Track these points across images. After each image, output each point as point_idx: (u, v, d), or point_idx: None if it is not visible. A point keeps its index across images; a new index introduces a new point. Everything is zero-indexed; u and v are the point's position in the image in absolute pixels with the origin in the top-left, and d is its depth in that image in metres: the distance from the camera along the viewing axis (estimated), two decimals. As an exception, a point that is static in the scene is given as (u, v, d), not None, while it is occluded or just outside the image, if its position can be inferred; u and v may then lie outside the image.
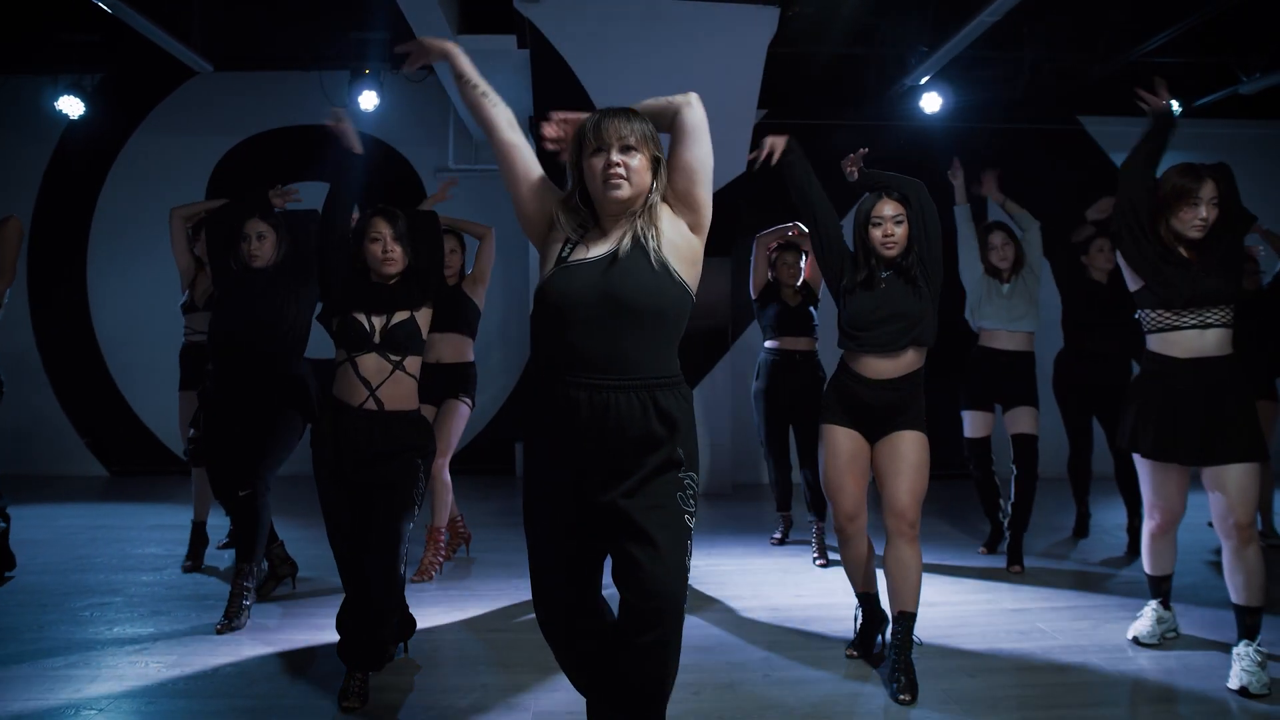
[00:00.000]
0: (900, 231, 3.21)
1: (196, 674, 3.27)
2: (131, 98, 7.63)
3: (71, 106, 6.98)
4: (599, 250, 2.23)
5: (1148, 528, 3.50)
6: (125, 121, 7.65)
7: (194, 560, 4.72)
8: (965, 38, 5.72)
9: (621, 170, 2.19)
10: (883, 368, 3.21)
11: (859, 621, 3.50)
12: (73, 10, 6.43)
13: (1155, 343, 3.31)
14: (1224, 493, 3.15)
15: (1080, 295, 5.08)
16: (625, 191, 2.20)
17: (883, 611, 3.45)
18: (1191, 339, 3.21)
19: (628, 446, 2.16)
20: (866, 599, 3.47)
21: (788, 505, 5.31)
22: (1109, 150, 7.73)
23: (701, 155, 2.28)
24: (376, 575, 3.02)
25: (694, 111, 2.28)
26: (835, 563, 4.66)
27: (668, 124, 2.31)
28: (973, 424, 4.89)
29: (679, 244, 2.25)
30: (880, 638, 3.47)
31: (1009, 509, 4.77)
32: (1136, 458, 3.39)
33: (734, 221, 6.86)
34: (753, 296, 5.13)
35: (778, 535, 5.33)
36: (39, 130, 7.53)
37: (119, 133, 7.64)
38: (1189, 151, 7.45)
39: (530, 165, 2.36)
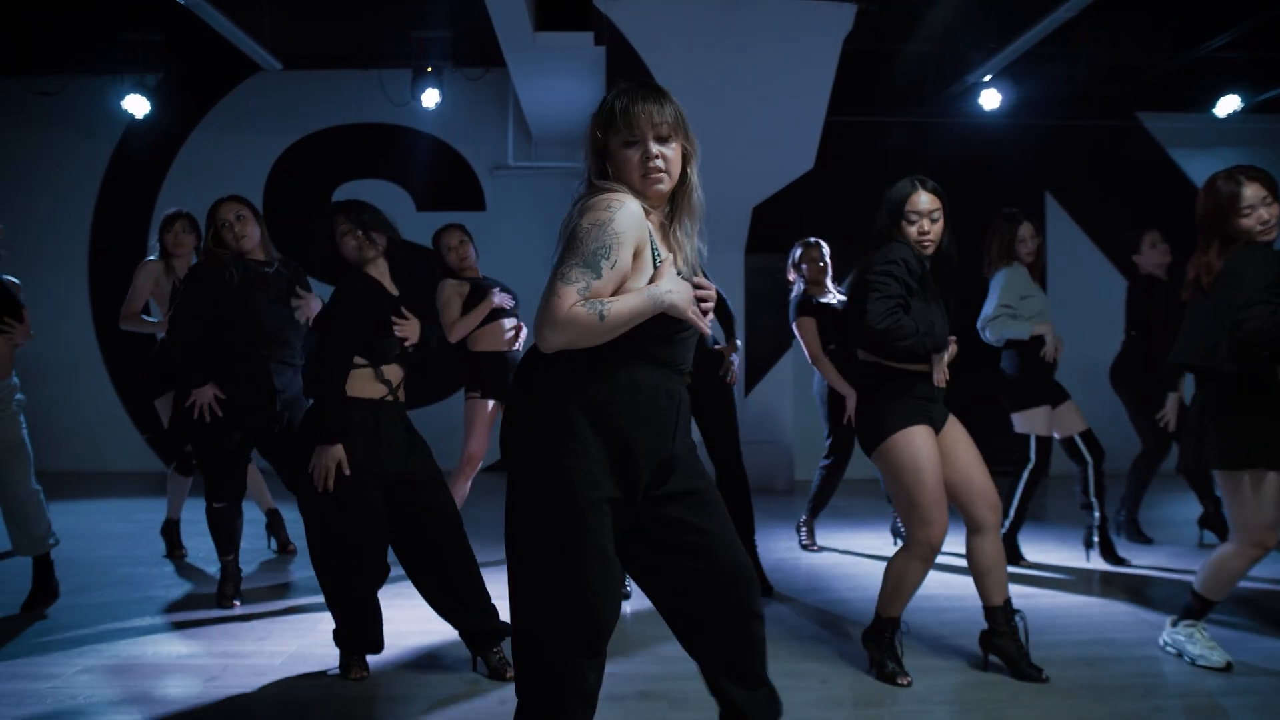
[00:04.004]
0: (936, 229, 3.05)
1: (328, 655, 3.31)
2: (192, 96, 7.71)
3: (137, 105, 7.04)
4: (670, 258, 2.08)
5: (1255, 553, 3.11)
6: (185, 120, 7.73)
7: (182, 548, 4.90)
8: (1037, 34, 5.73)
9: (661, 164, 2.03)
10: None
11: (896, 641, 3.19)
12: (135, 9, 6.51)
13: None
14: None
15: (1146, 294, 4.95)
16: (666, 186, 2.06)
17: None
18: None
19: (682, 431, 2.14)
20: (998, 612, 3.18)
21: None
22: (1168, 147, 7.73)
23: None
24: (465, 546, 3.18)
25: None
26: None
27: None
28: (1043, 421, 4.53)
29: None
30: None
31: (1096, 505, 4.64)
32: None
33: (795, 220, 6.88)
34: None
35: (812, 542, 5.10)
36: (101, 129, 7.61)
37: (179, 131, 7.72)
38: (1253, 147, 7.52)
39: (626, 272, 2.01)
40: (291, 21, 6.67)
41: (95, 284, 7.68)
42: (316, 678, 3.16)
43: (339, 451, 3.01)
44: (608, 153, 2.06)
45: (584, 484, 1.98)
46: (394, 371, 3.19)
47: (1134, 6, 6.36)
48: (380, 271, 3.22)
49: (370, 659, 3.26)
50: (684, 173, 2.11)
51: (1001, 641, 3.15)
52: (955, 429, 3.13)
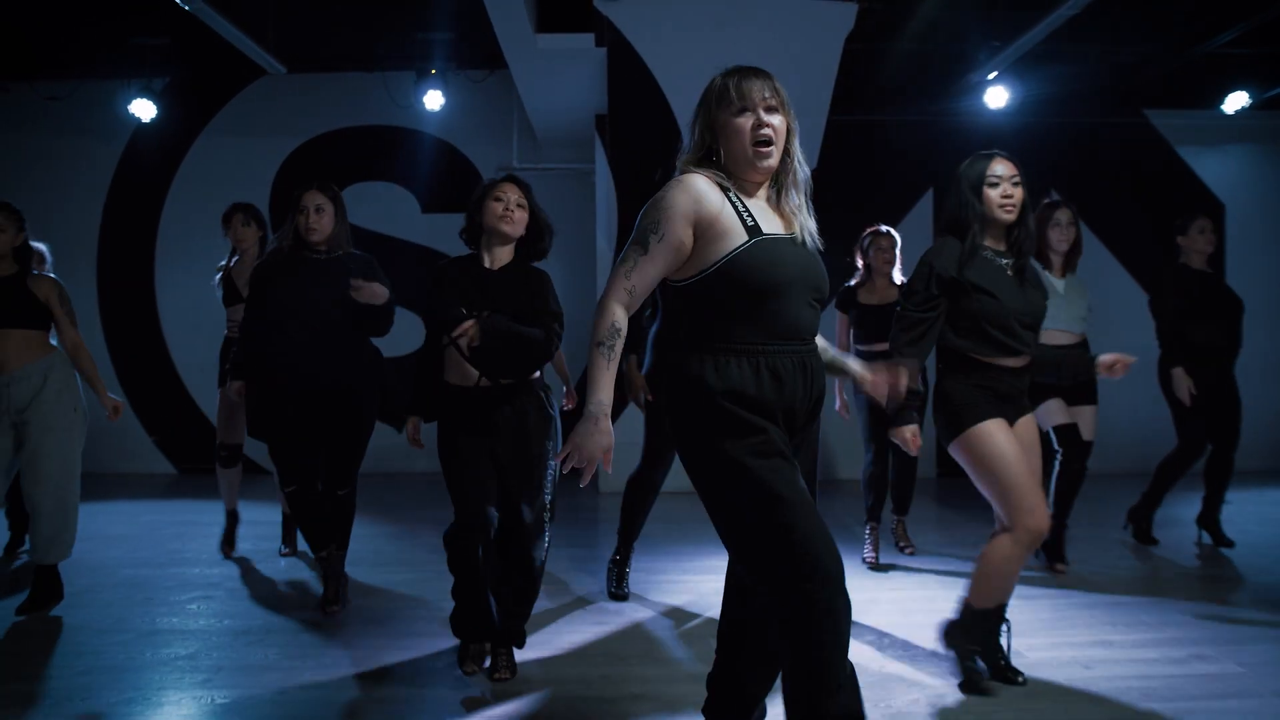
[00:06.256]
0: (1018, 193, 3.00)
1: (322, 659, 3.32)
2: (198, 100, 7.75)
3: (144, 110, 7.08)
4: (775, 227, 2.17)
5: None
6: (192, 123, 7.77)
7: (231, 544, 4.92)
8: (1042, 30, 5.70)
9: (770, 133, 2.10)
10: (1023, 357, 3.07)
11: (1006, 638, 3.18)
12: (141, 14, 6.55)
13: None
14: None
15: (1180, 286, 4.83)
16: (775, 155, 2.13)
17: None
18: None
19: (811, 405, 2.22)
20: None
21: (880, 515, 4.81)
22: (1176, 144, 7.66)
23: None
24: (529, 550, 3.17)
25: None
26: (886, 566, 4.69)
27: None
28: (1058, 411, 4.47)
29: None
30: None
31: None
32: None
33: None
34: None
35: (871, 554, 4.73)
36: (108, 133, 7.66)
37: (186, 135, 7.76)
38: (1262, 143, 7.46)
39: (683, 242, 2.13)
40: (295, 25, 6.69)
41: (103, 287, 7.74)
42: (317, 681, 3.17)
43: (414, 420, 3.26)
44: (718, 125, 2.16)
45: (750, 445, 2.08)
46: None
47: (1140, 3, 6.31)
48: (500, 255, 3.20)
49: (370, 659, 3.31)
50: (786, 150, 2.18)
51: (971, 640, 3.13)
52: (1024, 428, 3.08)
